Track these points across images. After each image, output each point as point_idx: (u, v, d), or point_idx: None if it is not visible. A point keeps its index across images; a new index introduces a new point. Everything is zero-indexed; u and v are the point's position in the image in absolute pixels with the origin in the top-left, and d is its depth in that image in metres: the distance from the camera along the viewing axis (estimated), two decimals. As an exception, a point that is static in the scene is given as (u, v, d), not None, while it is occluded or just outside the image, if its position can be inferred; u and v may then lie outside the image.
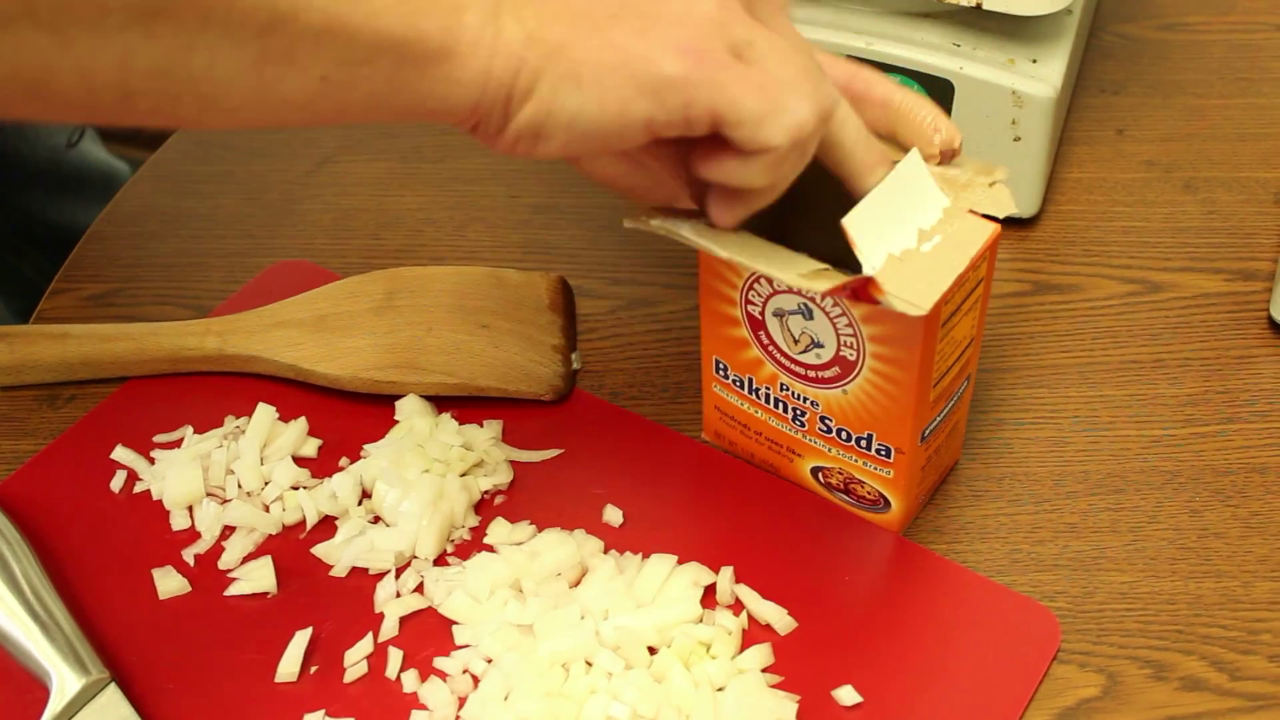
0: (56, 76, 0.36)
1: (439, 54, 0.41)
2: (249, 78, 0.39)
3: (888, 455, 0.53)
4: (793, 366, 0.53)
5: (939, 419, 0.53)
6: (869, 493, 0.55)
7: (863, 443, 0.53)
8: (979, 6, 0.64)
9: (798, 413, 0.54)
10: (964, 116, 0.67)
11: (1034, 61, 0.67)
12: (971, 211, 0.49)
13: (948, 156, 0.51)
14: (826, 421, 0.54)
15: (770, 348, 0.53)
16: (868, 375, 0.50)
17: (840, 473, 0.55)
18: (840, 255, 0.48)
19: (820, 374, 0.52)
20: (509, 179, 0.75)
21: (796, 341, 0.51)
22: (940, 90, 0.67)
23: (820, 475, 0.56)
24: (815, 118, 0.44)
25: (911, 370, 0.49)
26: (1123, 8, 0.86)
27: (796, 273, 0.46)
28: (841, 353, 0.50)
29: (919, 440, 0.52)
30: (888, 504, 0.55)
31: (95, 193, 1.06)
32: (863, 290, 0.45)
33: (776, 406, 0.55)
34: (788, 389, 0.54)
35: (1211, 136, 0.76)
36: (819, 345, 0.51)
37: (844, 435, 0.53)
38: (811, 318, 0.50)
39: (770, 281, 0.50)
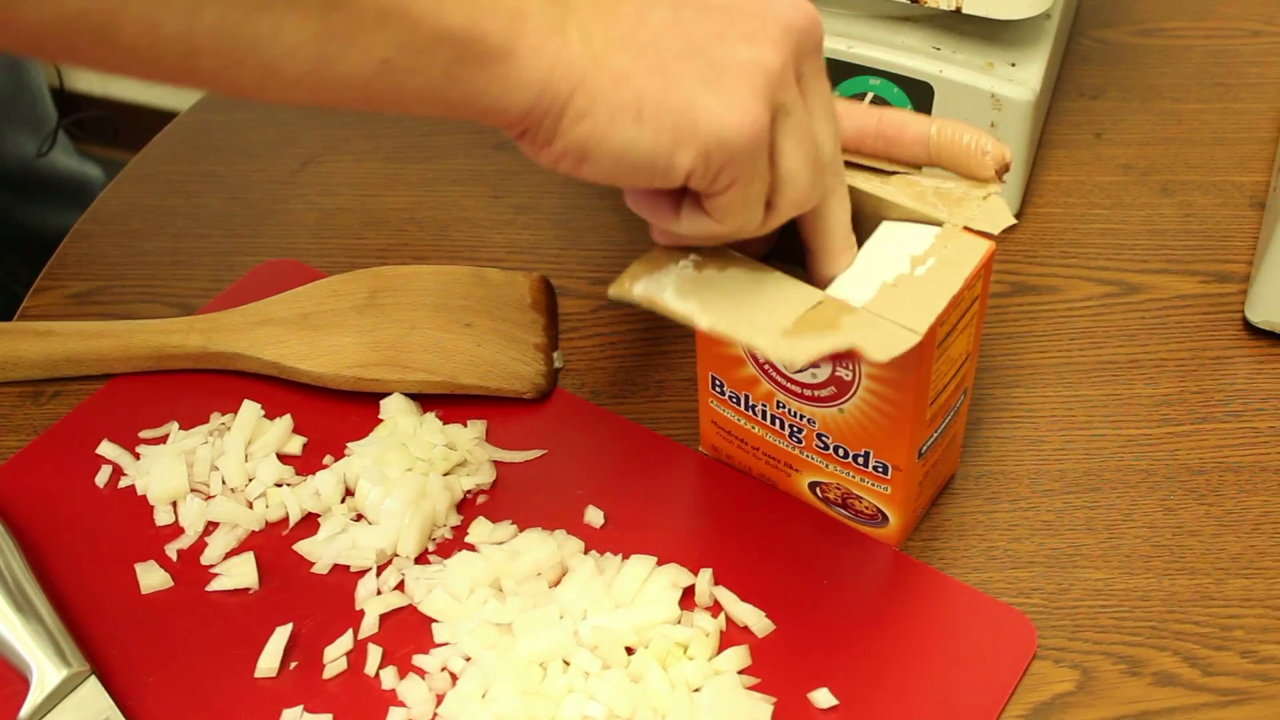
0: (123, 24, 0.37)
1: (498, 54, 0.41)
2: (311, 50, 0.39)
3: (885, 472, 0.53)
4: (789, 385, 0.52)
5: (936, 434, 0.53)
6: (867, 508, 0.55)
7: (860, 459, 0.53)
8: (959, 10, 0.65)
9: (794, 429, 0.54)
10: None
11: (1013, 65, 0.67)
12: (966, 229, 0.50)
13: (1002, 172, 0.51)
14: (823, 439, 0.53)
15: (766, 366, 0.53)
16: (864, 395, 0.50)
17: (838, 488, 0.55)
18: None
19: (816, 393, 0.52)
20: (492, 180, 0.76)
21: None
22: (920, 93, 0.67)
23: (818, 490, 0.56)
24: (776, 219, 0.47)
25: (908, 391, 0.49)
26: (1101, 13, 0.87)
27: (781, 329, 0.46)
28: (837, 373, 0.50)
29: (916, 457, 0.52)
30: (886, 519, 0.55)
31: (66, 198, 1.06)
32: (845, 354, 0.45)
33: (773, 423, 0.55)
34: (784, 406, 0.54)
35: (1188, 140, 0.77)
36: (815, 365, 0.51)
37: (841, 452, 0.53)
38: None
39: None
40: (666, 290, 0.48)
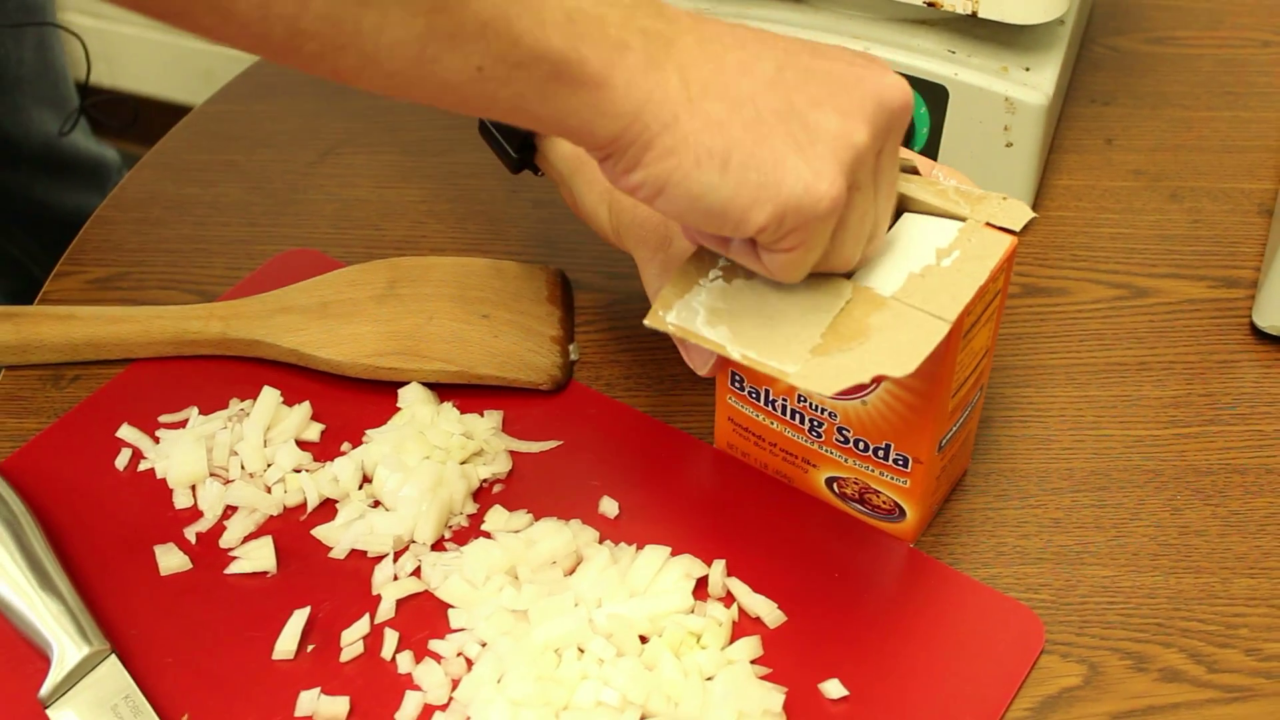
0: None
1: (593, 80, 0.41)
2: (411, 49, 0.40)
3: (905, 465, 0.53)
4: None
5: (955, 428, 0.54)
6: (884, 502, 0.56)
7: (880, 453, 0.54)
8: (974, 14, 0.66)
9: (815, 424, 0.55)
10: (958, 122, 0.68)
11: (1027, 70, 0.68)
12: (989, 225, 0.50)
13: None
14: (844, 432, 0.54)
15: None
16: (888, 386, 0.51)
17: (856, 483, 0.56)
18: None
19: None
20: (509, 175, 0.76)
21: None
22: (935, 96, 0.68)
23: (835, 485, 0.57)
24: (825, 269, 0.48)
25: (933, 380, 0.50)
26: (1113, 20, 0.88)
27: (811, 347, 0.46)
28: None
29: (936, 449, 0.53)
30: (903, 513, 0.56)
31: (84, 179, 1.07)
32: (864, 389, 0.46)
33: (793, 418, 0.55)
34: (805, 400, 0.54)
35: (1198, 148, 0.78)
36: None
37: (861, 445, 0.54)
38: None
39: None
40: (698, 316, 0.49)
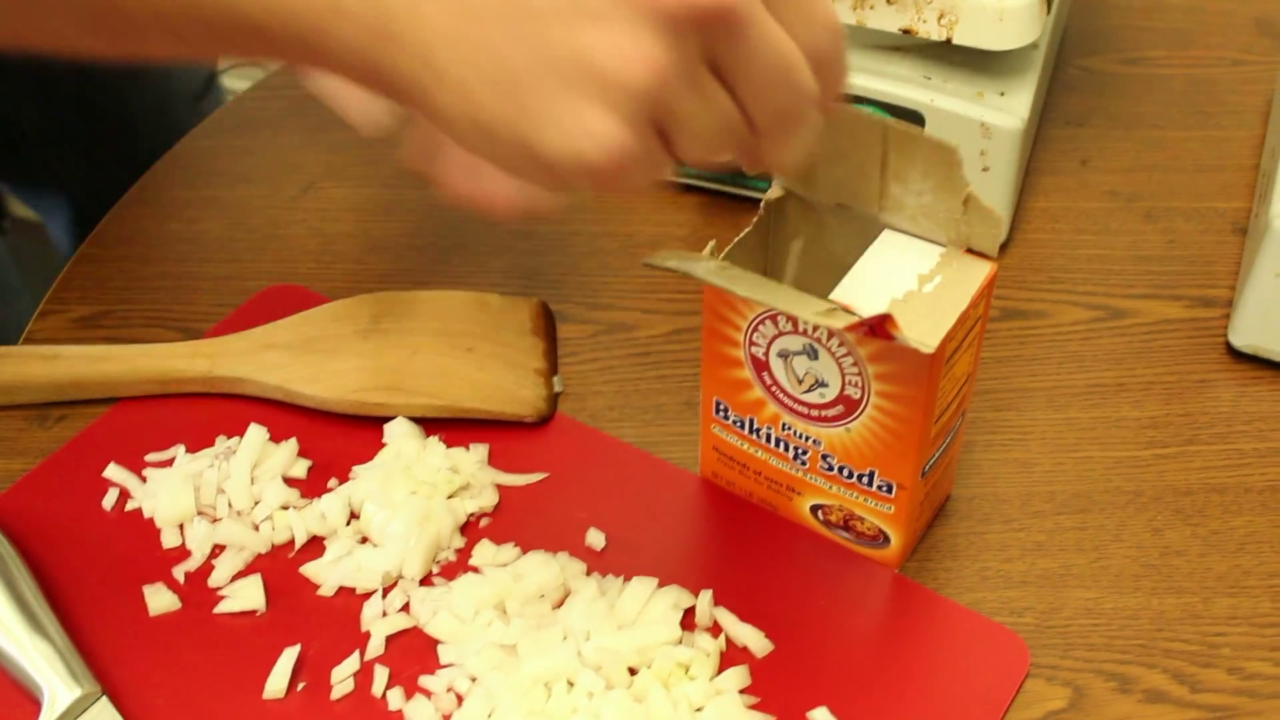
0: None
1: (316, 53, 0.40)
2: (101, 38, 0.42)
3: (889, 491, 0.54)
4: (796, 406, 0.53)
5: (938, 454, 0.54)
6: (869, 529, 0.56)
7: (864, 480, 0.54)
8: (949, 41, 0.66)
9: (799, 451, 0.55)
10: (934, 148, 0.69)
11: (1002, 94, 0.69)
12: (969, 251, 0.51)
13: None
14: (828, 459, 0.54)
15: (773, 388, 0.53)
16: (871, 413, 0.51)
17: (840, 510, 0.56)
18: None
19: (824, 413, 0.53)
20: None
21: (800, 381, 0.52)
22: (911, 122, 0.69)
23: (820, 513, 0.57)
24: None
25: (916, 407, 0.50)
26: (1086, 42, 0.89)
27: (812, 311, 0.47)
28: (846, 391, 0.51)
29: (920, 475, 0.53)
30: (887, 540, 0.56)
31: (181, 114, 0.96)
32: (879, 327, 0.46)
33: (777, 446, 0.56)
34: (789, 428, 0.54)
35: (1172, 168, 0.79)
36: (823, 385, 0.52)
37: (845, 473, 0.54)
38: (817, 358, 0.51)
39: (776, 322, 0.51)
40: (697, 269, 0.49)
